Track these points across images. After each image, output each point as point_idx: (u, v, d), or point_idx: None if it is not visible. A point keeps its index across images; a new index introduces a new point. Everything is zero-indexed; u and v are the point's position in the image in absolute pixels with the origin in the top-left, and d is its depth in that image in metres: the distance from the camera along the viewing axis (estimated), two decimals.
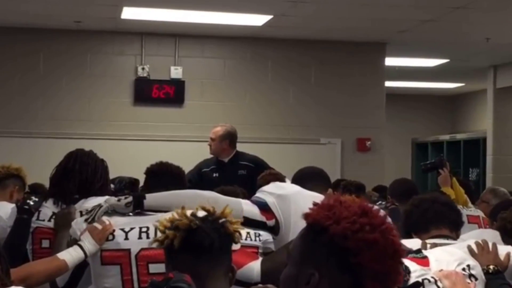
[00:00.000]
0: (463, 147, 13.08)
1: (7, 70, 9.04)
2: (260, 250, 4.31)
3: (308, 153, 9.28)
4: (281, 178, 5.36)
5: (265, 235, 4.69)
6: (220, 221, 2.48)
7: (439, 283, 2.59)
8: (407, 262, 2.61)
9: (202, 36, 9.41)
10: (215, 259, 2.41)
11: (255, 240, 4.48)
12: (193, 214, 2.47)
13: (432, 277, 2.60)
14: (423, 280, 2.59)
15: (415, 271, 2.60)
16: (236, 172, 6.94)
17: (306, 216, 1.77)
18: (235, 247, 3.15)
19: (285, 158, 8.57)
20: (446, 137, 13.86)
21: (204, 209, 2.50)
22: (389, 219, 1.78)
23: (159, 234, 2.48)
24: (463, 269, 2.69)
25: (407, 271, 2.57)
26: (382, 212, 1.79)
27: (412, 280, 2.57)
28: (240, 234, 2.57)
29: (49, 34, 9.07)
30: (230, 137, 7.26)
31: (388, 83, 10.23)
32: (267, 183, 4.25)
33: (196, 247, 2.39)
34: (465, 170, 12.94)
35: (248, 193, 4.89)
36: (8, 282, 2.36)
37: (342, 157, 9.75)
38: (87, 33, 9.17)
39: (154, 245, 2.48)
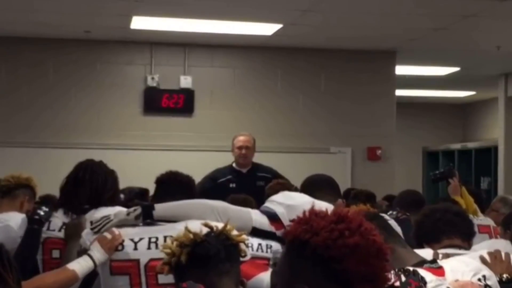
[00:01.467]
0: (474, 156, 13.04)
1: (16, 80, 9.05)
2: (271, 262, 4.29)
3: (318, 162, 9.25)
4: (289, 188, 5.34)
5: (276, 246, 4.67)
6: (224, 234, 2.51)
7: None
8: (422, 272, 2.59)
9: (211, 46, 9.41)
10: (223, 270, 2.43)
11: (266, 252, 4.47)
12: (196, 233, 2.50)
13: None
14: None
15: (431, 281, 2.57)
16: (255, 183, 6.81)
17: (285, 235, 1.80)
18: (246, 258, 3.14)
19: (295, 168, 8.53)
20: (457, 146, 13.82)
21: (206, 225, 2.55)
22: (367, 221, 1.80)
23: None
24: (479, 280, 2.66)
25: (423, 282, 2.54)
26: (358, 214, 1.83)
27: None
28: (246, 245, 2.58)
29: (58, 44, 9.09)
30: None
31: (398, 92, 10.21)
32: (276, 192, 4.24)
33: (203, 259, 2.42)
34: (476, 179, 12.89)
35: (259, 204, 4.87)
36: None
37: (352, 166, 9.72)
38: (96, 43, 9.19)
39: (165, 270, 2.49)
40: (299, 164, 9.00)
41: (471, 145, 13.49)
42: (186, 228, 2.52)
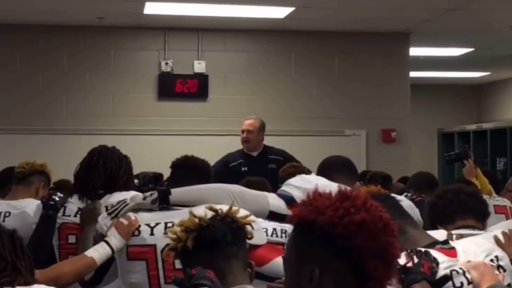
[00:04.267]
0: (490, 137, 12.95)
1: (31, 67, 9.07)
2: (285, 247, 4.29)
3: (333, 145, 9.22)
4: (302, 170, 5.33)
5: (291, 228, 4.66)
6: (229, 216, 2.49)
7: (467, 274, 2.56)
8: (434, 253, 2.59)
9: (224, 30, 9.39)
10: (231, 253, 2.40)
11: (281, 236, 4.47)
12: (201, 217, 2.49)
13: (460, 268, 2.57)
14: (451, 271, 2.56)
15: (443, 262, 2.57)
16: (266, 166, 6.86)
17: (290, 218, 1.80)
18: (262, 242, 3.14)
19: (309, 151, 8.53)
20: (472, 126, 13.73)
21: (211, 209, 2.52)
22: (371, 199, 1.80)
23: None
24: (491, 260, 2.66)
25: (435, 263, 2.55)
26: (363, 192, 1.83)
27: (441, 271, 2.54)
28: (252, 227, 2.56)
29: (72, 31, 9.10)
30: (264, 129, 7.23)
31: (412, 73, 10.15)
32: (289, 175, 4.22)
33: (210, 243, 2.40)
34: (492, 159, 12.81)
35: (277, 188, 4.87)
36: (32, 281, 2.37)
37: (367, 149, 9.70)
38: (110, 29, 9.19)
39: (171, 256, 2.48)
40: (313, 147, 8.99)
41: (486, 125, 13.40)
42: (191, 213, 2.49)
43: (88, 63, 9.19)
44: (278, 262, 3.33)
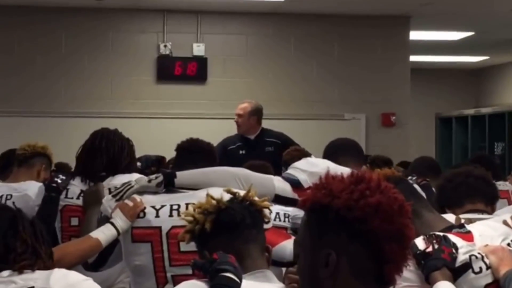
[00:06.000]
0: (488, 121, 12.93)
1: (29, 50, 9.02)
2: (289, 231, 4.26)
3: (332, 129, 9.17)
4: (306, 154, 5.31)
5: (294, 211, 4.62)
6: (247, 199, 2.46)
7: (485, 259, 2.53)
8: (452, 237, 2.55)
9: (224, 12, 9.34)
10: (249, 237, 2.37)
11: (284, 221, 4.44)
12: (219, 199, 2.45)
13: (479, 253, 2.54)
14: (470, 256, 2.53)
15: (462, 247, 2.53)
16: (263, 149, 6.91)
17: (303, 202, 1.76)
18: (267, 226, 3.11)
19: (309, 135, 8.52)
20: (470, 111, 13.70)
21: (229, 192, 2.49)
22: (384, 180, 1.78)
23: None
24: (508, 244, 2.62)
25: (455, 247, 2.51)
26: (375, 174, 1.80)
27: (460, 256, 2.51)
28: (270, 210, 2.54)
29: (70, 13, 9.04)
30: (257, 113, 7.21)
31: (411, 57, 10.12)
32: (293, 158, 4.18)
33: (228, 226, 2.36)
34: (490, 144, 12.80)
35: (275, 170, 4.85)
36: (51, 266, 2.40)
37: (367, 133, 9.67)
38: (108, 11, 9.13)
39: (186, 238, 2.44)
40: (313, 131, 8.98)
41: (484, 110, 13.37)
42: (209, 195, 2.45)
43: (87, 46, 9.14)
44: (284, 246, 3.30)
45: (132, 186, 3.18)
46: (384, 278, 1.71)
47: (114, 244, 3.20)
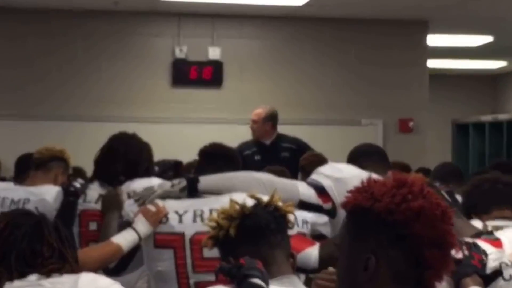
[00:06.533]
0: (506, 128, 12.81)
1: (45, 53, 8.97)
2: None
3: (349, 134, 9.12)
4: (323, 160, 5.26)
5: (314, 218, 4.56)
6: (272, 204, 2.43)
7: None
8: (482, 244, 2.51)
9: (240, 16, 9.29)
10: (274, 242, 2.34)
11: (302, 227, 4.38)
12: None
13: (510, 261, 2.49)
14: (500, 263, 2.48)
15: (492, 253, 2.50)
16: (279, 154, 6.90)
17: (345, 205, 1.75)
18: (291, 232, 3.06)
19: (326, 140, 8.46)
20: (488, 118, 13.57)
21: (252, 197, 2.46)
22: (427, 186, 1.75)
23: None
24: None
25: (485, 254, 2.46)
26: (418, 179, 1.79)
27: (490, 263, 2.46)
28: (294, 215, 2.50)
29: (87, 16, 9.01)
30: (272, 119, 7.19)
31: (428, 63, 10.05)
32: (310, 164, 4.14)
33: (254, 231, 2.33)
34: (507, 152, 12.68)
35: (291, 176, 4.80)
36: (77, 270, 2.42)
37: (384, 139, 9.59)
38: (124, 14, 9.10)
39: (209, 244, 2.39)
40: (330, 136, 8.93)
41: (502, 117, 13.24)
42: (232, 200, 2.41)
43: (103, 49, 9.09)
44: (308, 252, 3.24)
45: (154, 191, 3.14)
46: (424, 284, 1.68)
47: (135, 249, 3.17)
